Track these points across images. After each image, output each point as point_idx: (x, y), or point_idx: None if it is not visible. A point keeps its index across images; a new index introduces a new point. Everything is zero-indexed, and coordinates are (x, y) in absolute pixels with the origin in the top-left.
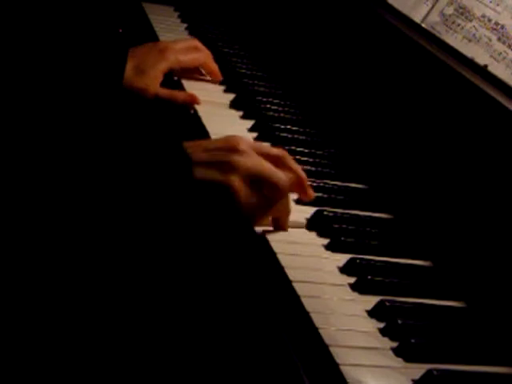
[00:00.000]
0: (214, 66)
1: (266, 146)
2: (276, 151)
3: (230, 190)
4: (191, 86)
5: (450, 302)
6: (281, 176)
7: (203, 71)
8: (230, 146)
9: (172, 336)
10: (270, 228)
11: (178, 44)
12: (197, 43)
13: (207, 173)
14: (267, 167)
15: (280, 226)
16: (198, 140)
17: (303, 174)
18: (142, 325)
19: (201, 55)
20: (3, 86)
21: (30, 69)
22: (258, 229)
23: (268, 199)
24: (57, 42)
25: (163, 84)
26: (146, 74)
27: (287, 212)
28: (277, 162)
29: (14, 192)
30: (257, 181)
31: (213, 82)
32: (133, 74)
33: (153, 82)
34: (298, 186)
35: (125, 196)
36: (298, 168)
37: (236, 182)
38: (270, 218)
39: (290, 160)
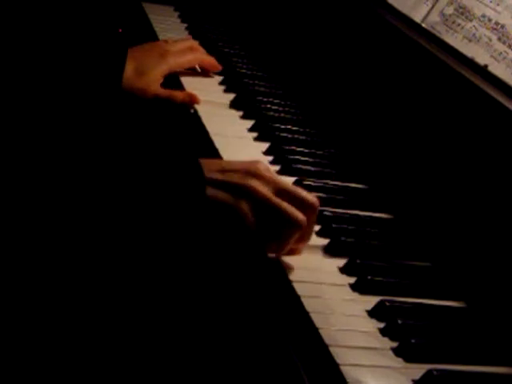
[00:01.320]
0: (211, 60)
1: (290, 186)
2: (309, 198)
3: (239, 214)
4: (191, 86)
5: (450, 302)
6: (296, 213)
7: (198, 69)
8: (249, 169)
9: (169, 334)
10: None
11: (176, 46)
12: (192, 43)
13: (218, 193)
14: (280, 199)
15: (291, 252)
16: (216, 159)
17: (313, 228)
18: (144, 328)
19: (197, 55)
20: (2, 85)
21: (29, 68)
22: None
23: (281, 233)
24: (56, 41)
25: (163, 84)
26: (146, 76)
27: (304, 241)
28: (300, 205)
29: (13, 194)
30: (270, 209)
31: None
32: (133, 75)
33: (153, 83)
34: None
35: (128, 202)
36: (314, 223)
37: (245, 206)
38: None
39: (314, 213)
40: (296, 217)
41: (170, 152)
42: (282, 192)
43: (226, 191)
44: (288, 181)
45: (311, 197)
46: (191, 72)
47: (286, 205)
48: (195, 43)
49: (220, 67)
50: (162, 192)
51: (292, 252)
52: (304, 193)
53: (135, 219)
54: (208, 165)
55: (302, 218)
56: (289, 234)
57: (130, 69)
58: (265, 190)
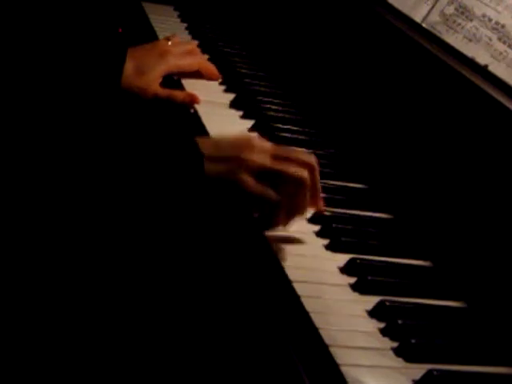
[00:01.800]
0: (211, 67)
1: (286, 148)
2: (305, 157)
3: (240, 186)
4: (191, 86)
5: (450, 302)
6: (298, 171)
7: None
8: (241, 142)
9: (170, 333)
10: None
11: (177, 48)
12: (193, 47)
13: (217, 168)
14: (278, 162)
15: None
16: (210, 137)
17: (319, 185)
18: (142, 325)
19: (197, 60)
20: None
21: (28, 66)
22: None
23: (287, 196)
24: (56, 41)
25: (163, 84)
26: (146, 75)
27: (315, 198)
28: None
29: (12, 193)
30: (273, 176)
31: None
32: (132, 74)
33: (152, 83)
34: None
35: (131, 190)
36: (318, 180)
37: (244, 176)
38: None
39: (317, 173)
40: (298, 175)
41: (167, 135)
42: (278, 157)
43: (224, 165)
44: None
45: (307, 156)
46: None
47: (285, 166)
48: (197, 48)
49: (219, 76)
50: (163, 174)
51: (302, 210)
52: (300, 153)
53: (136, 208)
54: (203, 142)
55: (304, 175)
56: (296, 195)
57: (129, 67)
58: (260, 158)
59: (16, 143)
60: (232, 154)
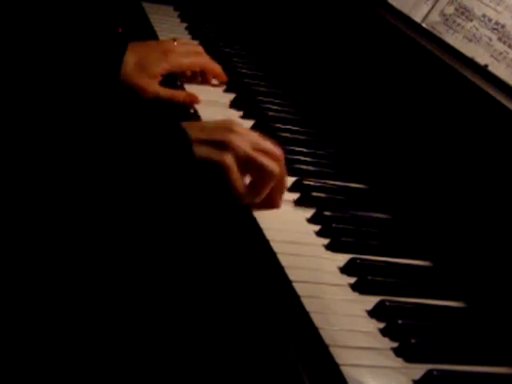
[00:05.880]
0: (217, 68)
1: (262, 140)
2: (276, 151)
3: (223, 168)
4: (191, 86)
5: (450, 302)
6: (272, 164)
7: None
8: (226, 126)
9: (170, 334)
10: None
11: (181, 47)
12: (198, 48)
13: (204, 150)
14: (256, 151)
15: (270, 203)
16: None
17: (285, 184)
18: (140, 323)
19: (200, 59)
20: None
21: (27, 64)
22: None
23: (257, 181)
24: (56, 40)
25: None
26: (146, 72)
27: (281, 190)
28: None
29: (10, 188)
30: (249, 162)
31: (218, 85)
32: (134, 69)
33: (152, 81)
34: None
35: (126, 178)
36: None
37: (228, 159)
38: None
39: (282, 164)
40: (272, 167)
41: (155, 120)
42: (255, 146)
43: (210, 147)
44: (288, 181)
45: (277, 149)
46: (197, 80)
47: (263, 158)
48: (201, 49)
49: (226, 78)
50: (156, 159)
51: (271, 203)
52: (272, 146)
53: (133, 194)
54: (190, 127)
55: (276, 168)
56: (266, 183)
57: (130, 61)
58: (244, 145)
59: (14, 136)
60: (220, 137)
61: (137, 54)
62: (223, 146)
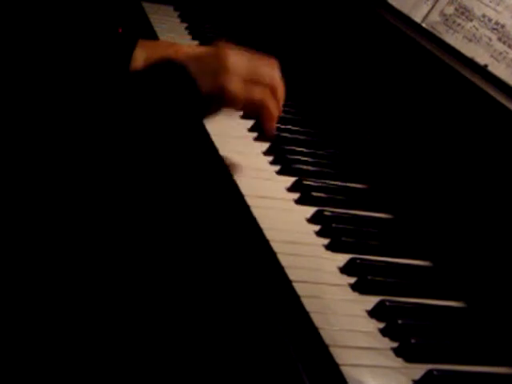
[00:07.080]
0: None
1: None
2: (266, 60)
3: (229, 97)
4: None
5: (450, 301)
6: (262, 93)
7: None
8: (218, 53)
9: (170, 334)
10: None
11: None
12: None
13: (208, 83)
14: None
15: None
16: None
17: (275, 111)
18: (140, 323)
19: (270, 103)
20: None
21: (29, 61)
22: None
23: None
24: (56, 40)
25: None
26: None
27: (271, 114)
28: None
29: (12, 185)
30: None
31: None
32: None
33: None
34: (266, 116)
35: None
36: (279, 103)
37: (237, 87)
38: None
39: (280, 92)
40: (262, 100)
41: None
42: (251, 61)
43: (213, 78)
44: (288, 181)
45: (269, 58)
46: None
47: (253, 90)
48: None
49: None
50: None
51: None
52: (265, 57)
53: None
54: (187, 61)
55: (266, 104)
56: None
57: (140, 59)
58: (238, 87)
59: (17, 133)
60: (217, 65)
61: (147, 49)
62: (225, 72)
